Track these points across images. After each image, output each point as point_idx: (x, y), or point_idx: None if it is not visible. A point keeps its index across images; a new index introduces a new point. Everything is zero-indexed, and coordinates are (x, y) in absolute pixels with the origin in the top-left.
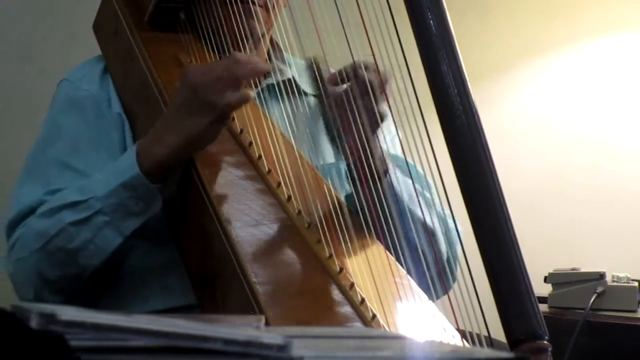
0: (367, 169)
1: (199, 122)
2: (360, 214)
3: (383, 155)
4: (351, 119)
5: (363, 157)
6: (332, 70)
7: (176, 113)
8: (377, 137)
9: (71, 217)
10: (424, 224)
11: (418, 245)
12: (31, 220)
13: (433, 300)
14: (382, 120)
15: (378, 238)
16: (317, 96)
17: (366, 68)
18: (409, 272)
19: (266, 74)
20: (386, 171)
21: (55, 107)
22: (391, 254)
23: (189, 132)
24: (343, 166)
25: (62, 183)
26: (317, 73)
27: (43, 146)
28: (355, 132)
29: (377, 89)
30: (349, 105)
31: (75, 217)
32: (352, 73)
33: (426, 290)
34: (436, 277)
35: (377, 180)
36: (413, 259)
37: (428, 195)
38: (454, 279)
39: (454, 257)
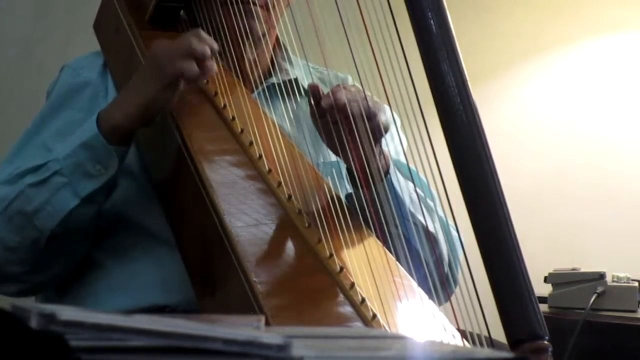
0: (368, 170)
1: (149, 88)
2: (360, 216)
3: (384, 156)
4: (348, 136)
5: (364, 161)
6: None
7: (135, 80)
8: (379, 147)
9: (31, 180)
10: (426, 229)
11: (419, 250)
12: None
13: (441, 303)
14: (381, 134)
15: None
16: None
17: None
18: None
19: (269, 74)
20: (387, 171)
21: (54, 94)
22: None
23: (141, 98)
24: (343, 164)
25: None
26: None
27: (34, 128)
28: (354, 143)
29: (367, 116)
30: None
31: (35, 179)
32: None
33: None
34: (438, 284)
35: (379, 180)
36: (414, 264)
37: (430, 203)
38: (456, 284)
39: (455, 260)
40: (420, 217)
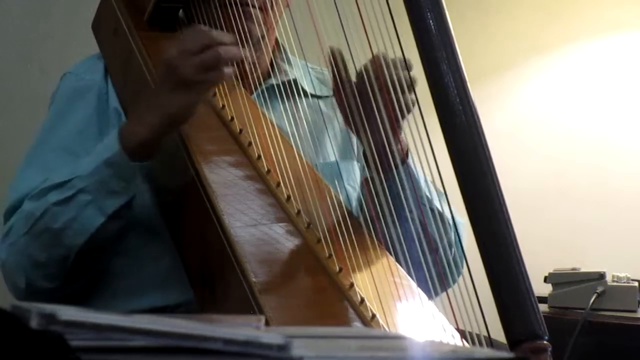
0: (389, 155)
1: (175, 100)
2: (376, 201)
3: (402, 142)
4: (375, 110)
5: (385, 143)
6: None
7: (154, 91)
8: (401, 127)
9: (55, 197)
10: (441, 214)
11: (434, 233)
12: (23, 205)
13: (445, 289)
14: (408, 111)
15: (389, 228)
16: (320, 97)
17: (392, 65)
18: (420, 263)
19: (269, 75)
20: (406, 156)
21: (59, 98)
22: (404, 243)
23: (167, 110)
24: (344, 165)
25: (62, 169)
26: (336, 65)
27: (45, 134)
28: (377, 121)
29: (405, 85)
30: (372, 96)
31: (59, 197)
32: (378, 69)
33: (437, 279)
34: (447, 268)
35: (398, 165)
36: (427, 247)
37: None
38: (462, 265)
39: (459, 243)
40: (437, 203)
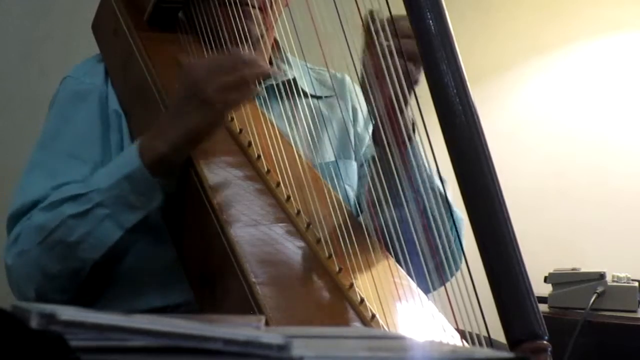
0: (397, 129)
1: (199, 118)
2: (383, 179)
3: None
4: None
5: (392, 117)
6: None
7: (177, 108)
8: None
9: (71, 210)
10: (444, 195)
11: (437, 216)
12: (34, 213)
13: (443, 282)
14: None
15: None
16: (319, 97)
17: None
18: (418, 254)
19: (267, 75)
20: (413, 132)
21: (60, 102)
22: (407, 222)
23: (190, 127)
24: (342, 164)
25: (69, 174)
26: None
27: (49, 138)
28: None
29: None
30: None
31: (76, 210)
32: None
33: (438, 268)
34: (450, 256)
35: (406, 140)
36: (430, 230)
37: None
38: (461, 261)
39: (459, 238)
40: (438, 182)
